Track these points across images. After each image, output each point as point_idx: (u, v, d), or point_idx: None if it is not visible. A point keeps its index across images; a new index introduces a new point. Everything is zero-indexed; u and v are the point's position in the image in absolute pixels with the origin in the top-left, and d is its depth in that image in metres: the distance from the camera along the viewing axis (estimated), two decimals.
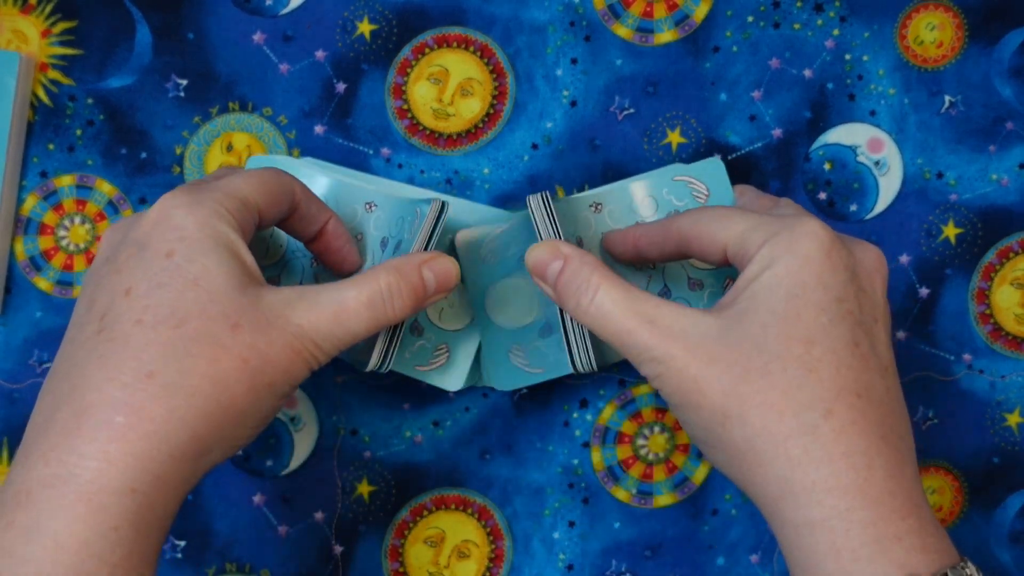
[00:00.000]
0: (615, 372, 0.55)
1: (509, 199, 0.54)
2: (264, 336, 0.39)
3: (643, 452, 0.55)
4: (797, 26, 0.54)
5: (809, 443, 0.38)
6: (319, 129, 0.54)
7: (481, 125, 0.54)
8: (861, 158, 0.55)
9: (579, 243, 0.49)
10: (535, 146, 0.54)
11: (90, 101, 0.53)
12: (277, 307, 0.40)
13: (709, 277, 0.51)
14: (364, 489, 0.55)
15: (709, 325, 0.40)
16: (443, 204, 0.45)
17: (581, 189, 0.54)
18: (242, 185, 0.42)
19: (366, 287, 0.42)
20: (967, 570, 0.38)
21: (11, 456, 0.53)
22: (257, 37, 0.53)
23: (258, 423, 0.40)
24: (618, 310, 0.41)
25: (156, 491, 0.37)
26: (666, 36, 0.54)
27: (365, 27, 0.53)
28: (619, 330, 0.41)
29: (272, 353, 0.39)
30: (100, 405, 0.37)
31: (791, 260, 0.40)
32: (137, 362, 0.37)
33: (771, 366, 0.38)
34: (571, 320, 0.45)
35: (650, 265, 0.50)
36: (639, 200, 0.50)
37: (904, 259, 0.55)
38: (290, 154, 0.54)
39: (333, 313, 0.41)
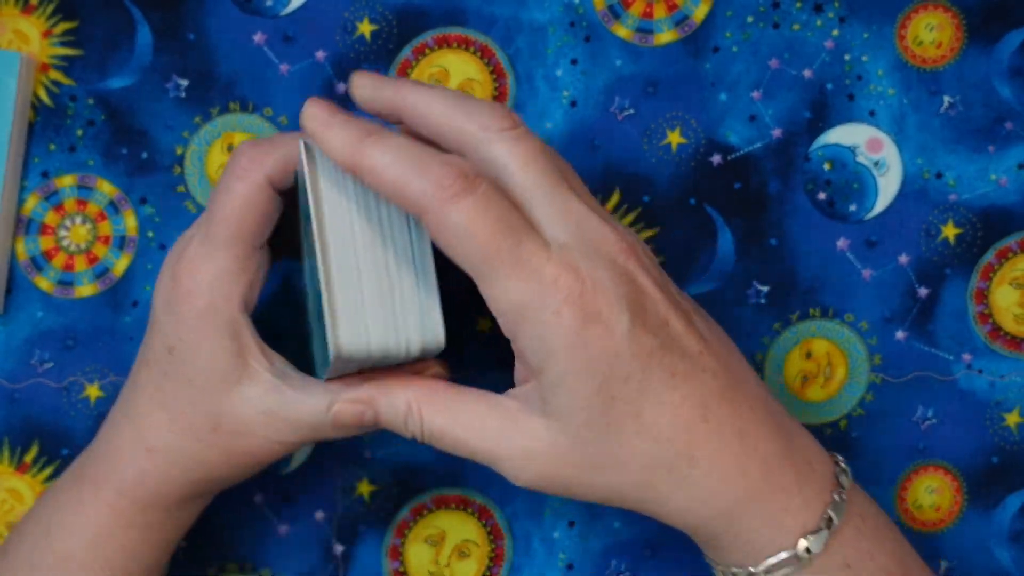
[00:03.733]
0: None
1: None
2: (242, 439, 0.45)
3: None
4: (797, 26, 0.54)
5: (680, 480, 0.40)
6: None
7: None
8: (860, 158, 0.55)
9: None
10: None
11: (91, 101, 0.53)
12: (252, 413, 0.44)
13: None
14: (364, 489, 0.55)
15: (556, 432, 0.40)
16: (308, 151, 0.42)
17: None
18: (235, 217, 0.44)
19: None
20: (844, 479, 0.42)
21: (11, 456, 0.54)
22: (257, 37, 0.53)
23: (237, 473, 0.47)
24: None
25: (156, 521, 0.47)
26: (666, 36, 0.54)
27: (365, 27, 0.54)
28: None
29: (248, 446, 0.45)
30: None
31: (577, 365, 0.38)
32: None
33: (621, 457, 0.39)
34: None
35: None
36: None
37: (903, 259, 0.55)
38: None
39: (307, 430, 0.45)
